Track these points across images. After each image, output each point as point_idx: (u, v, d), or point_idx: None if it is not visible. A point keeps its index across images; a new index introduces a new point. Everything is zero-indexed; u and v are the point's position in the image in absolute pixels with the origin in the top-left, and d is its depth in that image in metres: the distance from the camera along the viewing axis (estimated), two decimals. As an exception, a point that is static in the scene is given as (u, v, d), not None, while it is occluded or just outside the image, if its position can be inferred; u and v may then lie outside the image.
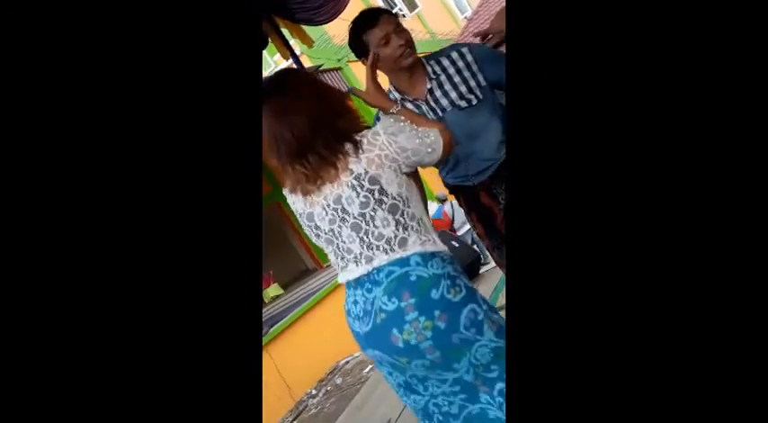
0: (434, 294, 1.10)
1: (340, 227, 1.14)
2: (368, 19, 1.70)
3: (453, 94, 1.78)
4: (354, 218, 1.12)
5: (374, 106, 1.39)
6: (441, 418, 1.18)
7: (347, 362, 5.00)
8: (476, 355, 1.11)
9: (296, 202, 1.21)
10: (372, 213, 1.12)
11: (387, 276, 1.12)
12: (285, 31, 2.63)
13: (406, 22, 14.00)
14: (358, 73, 9.50)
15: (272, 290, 8.91)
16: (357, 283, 1.16)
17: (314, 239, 1.22)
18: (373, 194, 1.11)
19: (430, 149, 1.17)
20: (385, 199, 1.12)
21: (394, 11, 12.39)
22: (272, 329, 5.06)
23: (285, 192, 1.23)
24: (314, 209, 1.17)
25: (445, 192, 2.24)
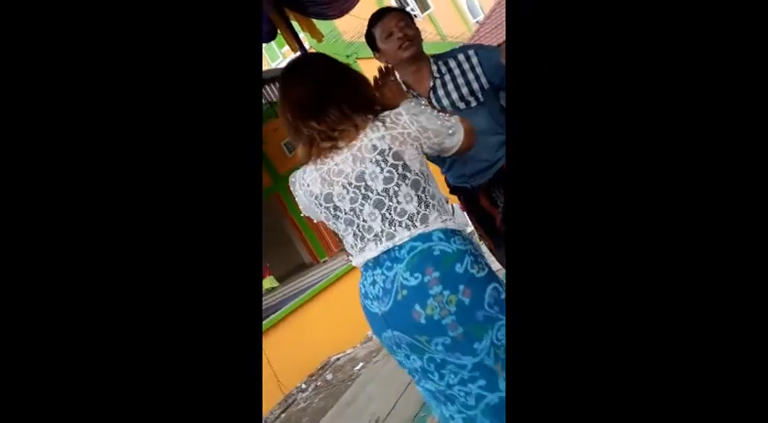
0: (459, 268, 1.09)
1: (362, 205, 1.14)
2: (376, 15, 1.81)
3: (455, 96, 1.81)
4: (378, 194, 1.12)
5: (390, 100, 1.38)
6: (455, 408, 1.15)
7: (338, 358, 4.99)
8: (497, 335, 1.09)
9: (311, 183, 1.18)
10: (396, 188, 1.12)
11: (409, 252, 1.11)
12: (295, 24, 2.63)
13: (418, 23, 13.91)
14: (367, 70, 9.51)
15: (267, 282, 8.94)
16: (376, 262, 1.15)
17: (330, 222, 1.20)
18: (397, 169, 1.12)
19: (450, 131, 1.19)
20: (408, 174, 1.12)
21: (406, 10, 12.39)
22: (265, 321, 5.06)
23: (298, 174, 1.22)
24: (333, 189, 1.15)
25: (447, 196, 2.28)
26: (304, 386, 4.78)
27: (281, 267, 10.25)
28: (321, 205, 1.18)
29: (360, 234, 1.16)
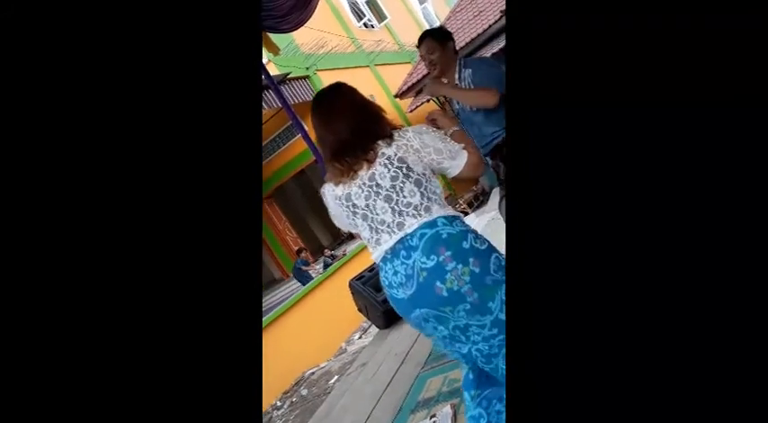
0: (465, 245, 1.32)
1: (374, 200, 1.37)
2: (419, 40, 2.44)
3: None
4: (387, 190, 1.36)
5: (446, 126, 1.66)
6: (483, 360, 1.36)
7: (313, 373, 4.94)
8: (503, 295, 1.31)
9: (335, 189, 1.43)
10: (402, 185, 1.35)
11: (420, 239, 1.32)
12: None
13: (376, 34, 14.09)
14: (326, 82, 9.50)
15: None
16: (393, 254, 1.35)
17: (349, 219, 1.43)
18: (401, 170, 1.36)
19: (452, 154, 1.42)
20: (411, 174, 1.36)
21: (362, 21, 12.48)
22: (236, 340, 4.97)
23: (327, 186, 1.47)
24: (351, 189, 1.40)
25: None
26: (279, 403, 4.72)
27: (251, 284, 10.11)
28: (343, 204, 1.42)
29: (374, 226, 1.39)
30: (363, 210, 1.39)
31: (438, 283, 1.29)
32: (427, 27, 15.01)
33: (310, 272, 8.88)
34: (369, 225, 1.40)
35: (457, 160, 1.43)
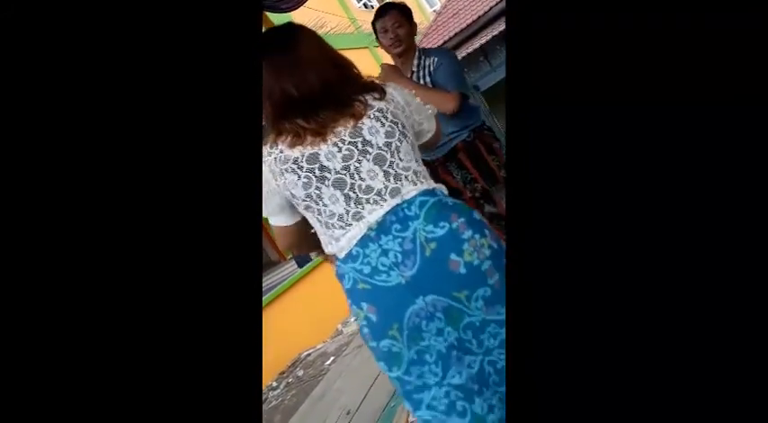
0: (476, 216, 1.06)
1: (359, 161, 1.04)
2: (379, 10, 2.19)
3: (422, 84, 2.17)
4: (379, 148, 1.04)
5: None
6: (497, 378, 1.03)
7: (309, 354, 4.97)
8: None
9: (286, 150, 1.06)
10: (398, 144, 1.06)
11: (421, 207, 1.03)
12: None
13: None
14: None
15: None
16: (380, 229, 1.02)
17: (312, 186, 1.04)
18: (397, 126, 1.07)
19: (429, 112, 1.21)
20: (408, 134, 1.09)
21: (362, 2, 12.34)
22: (233, 321, 4.99)
23: (268, 148, 1.10)
24: (318, 148, 1.04)
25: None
26: (275, 384, 4.75)
27: (247, 265, 10.13)
28: (300, 169, 1.04)
29: (354, 196, 1.03)
30: (339, 173, 1.03)
31: (453, 255, 0.99)
32: (428, 8, 14.87)
33: (307, 253, 8.84)
34: (345, 194, 1.03)
35: (432, 121, 1.21)
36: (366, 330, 1.07)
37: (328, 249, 1.10)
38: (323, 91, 1.06)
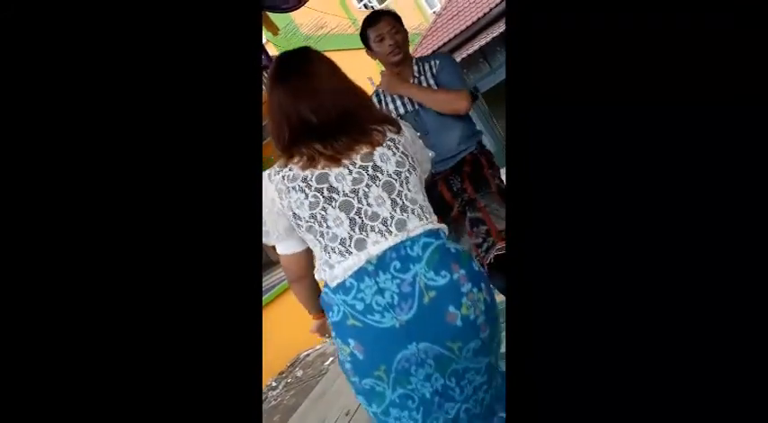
0: (475, 266, 1.04)
1: (368, 187, 1.02)
2: (371, 18, 2.04)
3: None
4: (389, 176, 1.03)
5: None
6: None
7: (308, 354, 4.97)
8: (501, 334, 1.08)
9: (295, 169, 1.05)
10: (408, 175, 1.05)
11: (424, 249, 1.00)
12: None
13: (375, 15, 13.86)
14: (325, 64, 9.40)
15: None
16: (379, 264, 0.99)
17: (318, 206, 1.02)
18: (407, 158, 1.08)
19: (426, 155, 1.21)
20: (416, 166, 1.10)
21: (362, 2, 12.33)
22: (232, 321, 4.98)
23: (277, 168, 1.08)
24: (330, 170, 1.03)
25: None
26: (274, 384, 4.74)
27: (247, 265, 10.12)
28: (309, 188, 1.02)
29: (359, 221, 1.01)
30: (347, 196, 1.02)
31: (451, 308, 0.98)
32: (427, 9, 14.87)
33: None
34: (350, 218, 1.01)
35: (428, 165, 1.22)
36: (349, 366, 1.06)
37: (319, 276, 1.08)
38: (341, 117, 1.06)
